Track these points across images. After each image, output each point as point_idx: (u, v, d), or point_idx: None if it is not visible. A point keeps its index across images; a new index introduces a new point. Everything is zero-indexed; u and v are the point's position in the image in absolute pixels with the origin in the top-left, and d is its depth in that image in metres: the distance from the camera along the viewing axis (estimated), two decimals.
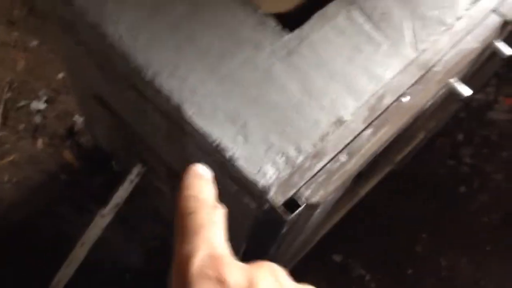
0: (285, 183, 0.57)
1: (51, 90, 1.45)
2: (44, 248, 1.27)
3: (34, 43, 1.49)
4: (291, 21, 0.65)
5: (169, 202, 1.01)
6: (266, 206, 0.56)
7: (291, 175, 0.57)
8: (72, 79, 0.96)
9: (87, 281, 1.14)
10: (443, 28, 0.65)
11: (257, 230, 0.66)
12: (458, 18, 0.65)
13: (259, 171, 0.56)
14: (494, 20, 0.67)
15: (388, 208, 1.41)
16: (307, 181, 0.58)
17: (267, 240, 0.66)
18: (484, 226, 1.46)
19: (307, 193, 0.58)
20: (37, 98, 1.44)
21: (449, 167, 1.52)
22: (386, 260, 1.38)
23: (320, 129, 0.59)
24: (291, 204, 0.56)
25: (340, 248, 1.36)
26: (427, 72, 0.64)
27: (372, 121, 0.61)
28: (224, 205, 0.37)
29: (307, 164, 0.58)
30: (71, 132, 1.41)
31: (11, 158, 1.39)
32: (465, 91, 0.75)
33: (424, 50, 0.63)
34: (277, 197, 0.56)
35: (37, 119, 1.43)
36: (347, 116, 0.60)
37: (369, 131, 0.61)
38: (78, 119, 1.40)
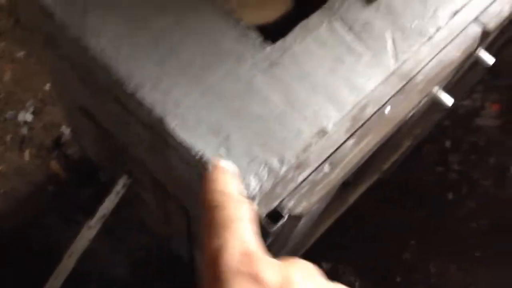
0: (268, 195, 0.57)
1: (38, 101, 1.45)
2: (32, 260, 1.27)
3: (21, 54, 1.49)
4: (274, 32, 0.65)
5: (155, 213, 1.01)
6: None
7: (274, 186, 0.57)
8: (57, 90, 0.96)
9: None
10: (424, 38, 0.65)
11: None
12: (439, 29, 0.66)
13: (243, 181, 0.56)
14: (475, 31, 0.68)
15: (376, 215, 1.42)
16: (290, 192, 0.58)
17: None
18: (472, 232, 1.47)
19: (290, 204, 0.58)
20: (24, 109, 1.44)
21: (437, 174, 1.53)
22: (375, 268, 1.39)
23: (302, 140, 0.59)
24: (274, 215, 0.56)
25: (329, 256, 1.37)
26: (408, 82, 0.64)
27: (355, 132, 0.62)
28: (250, 200, 0.37)
29: (290, 176, 0.58)
30: (58, 143, 1.40)
31: None
32: (448, 100, 0.76)
33: (405, 61, 0.64)
34: (260, 209, 0.56)
35: (24, 130, 1.42)
36: (329, 127, 0.60)
37: (351, 141, 0.62)
38: (65, 130, 1.40)
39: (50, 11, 0.60)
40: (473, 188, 1.52)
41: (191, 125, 0.58)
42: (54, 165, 1.38)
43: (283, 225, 0.58)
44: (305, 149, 0.59)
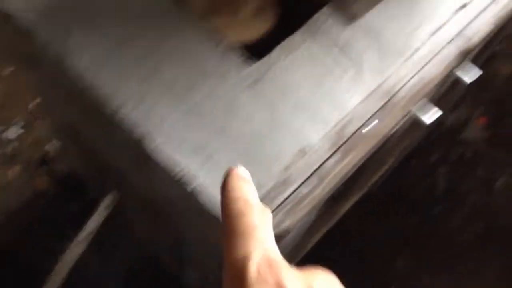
0: None
1: (27, 116, 1.45)
2: (21, 275, 1.26)
3: (9, 69, 1.49)
4: (258, 50, 0.66)
5: (144, 227, 1.01)
6: None
7: None
8: (45, 107, 0.96)
9: None
10: (405, 56, 0.66)
11: None
12: (419, 47, 0.67)
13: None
14: (455, 48, 0.69)
15: (365, 229, 1.42)
16: (273, 210, 0.58)
17: None
18: (461, 245, 1.47)
19: (274, 221, 0.59)
20: (13, 124, 1.44)
21: (424, 187, 1.53)
22: (364, 282, 1.39)
23: (286, 158, 0.60)
24: None
25: None
26: (390, 99, 0.65)
27: (338, 149, 0.62)
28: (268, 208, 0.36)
29: (273, 193, 0.58)
30: (46, 159, 1.40)
31: None
32: (432, 115, 0.77)
33: (387, 78, 0.65)
34: None
35: (13, 145, 1.42)
36: (312, 144, 0.61)
37: (334, 158, 0.62)
38: (53, 146, 1.40)
39: (32, 31, 0.61)
40: (461, 200, 1.52)
41: (174, 144, 0.58)
42: (42, 180, 1.38)
43: None
44: (288, 166, 0.59)
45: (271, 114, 0.61)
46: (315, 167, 0.61)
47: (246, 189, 0.38)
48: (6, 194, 1.37)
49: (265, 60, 0.64)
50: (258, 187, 0.57)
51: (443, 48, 0.68)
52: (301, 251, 1.20)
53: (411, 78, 0.66)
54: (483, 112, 1.66)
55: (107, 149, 0.75)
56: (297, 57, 0.65)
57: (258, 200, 0.37)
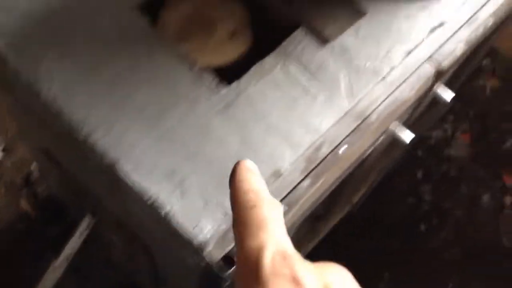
0: (222, 239, 0.57)
1: (8, 138, 1.44)
2: None
3: None
4: (230, 74, 0.66)
5: (120, 251, 1.00)
6: (204, 262, 0.56)
7: (228, 229, 0.57)
8: (21, 131, 0.95)
9: None
10: (378, 78, 0.66)
11: (203, 284, 0.66)
12: (392, 68, 0.67)
13: (195, 227, 0.56)
14: (428, 69, 0.69)
15: (348, 247, 1.41)
16: None
17: None
18: (445, 262, 1.47)
19: None
20: None
21: (408, 205, 1.53)
22: None
23: None
24: (228, 260, 0.56)
25: None
26: (363, 121, 0.65)
27: (310, 172, 0.62)
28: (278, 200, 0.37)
29: None
30: (28, 181, 1.39)
31: None
32: (407, 136, 0.77)
33: (359, 100, 0.65)
34: (214, 253, 0.56)
35: None
36: (284, 168, 0.61)
37: (307, 181, 0.62)
38: (35, 168, 1.39)
39: (3, 57, 0.61)
40: (445, 218, 1.53)
41: (145, 169, 0.58)
42: (24, 203, 1.37)
43: None
44: None
45: (243, 138, 0.61)
46: (287, 191, 0.61)
47: (255, 181, 0.38)
48: None
49: (237, 84, 0.64)
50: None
51: (417, 69, 0.68)
52: None
53: (385, 99, 0.66)
54: (468, 128, 1.67)
55: (81, 174, 0.74)
56: (269, 81, 0.65)
57: (268, 192, 0.37)
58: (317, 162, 0.63)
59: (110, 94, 0.61)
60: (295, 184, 0.61)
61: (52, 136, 0.71)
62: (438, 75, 0.70)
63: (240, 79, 0.64)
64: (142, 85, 0.62)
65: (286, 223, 0.61)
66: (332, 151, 0.63)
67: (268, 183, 0.59)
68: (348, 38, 0.69)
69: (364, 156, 0.70)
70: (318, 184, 0.63)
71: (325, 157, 0.63)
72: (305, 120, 0.63)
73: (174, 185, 0.58)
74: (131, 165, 0.58)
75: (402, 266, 1.44)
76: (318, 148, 0.62)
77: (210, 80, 0.63)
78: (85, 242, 0.96)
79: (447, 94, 0.81)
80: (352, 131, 0.64)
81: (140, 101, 0.61)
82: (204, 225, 0.56)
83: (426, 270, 1.45)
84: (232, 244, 0.58)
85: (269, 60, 0.66)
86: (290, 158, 0.61)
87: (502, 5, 0.75)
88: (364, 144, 0.66)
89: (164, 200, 0.57)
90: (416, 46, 0.69)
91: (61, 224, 1.30)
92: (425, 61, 0.69)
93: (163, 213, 0.56)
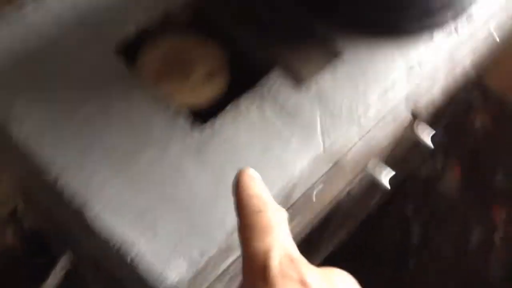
0: (190, 283, 0.56)
1: None
2: None
3: None
4: (206, 115, 0.66)
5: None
6: None
7: (197, 274, 0.56)
8: (1, 169, 0.95)
9: None
10: (353, 119, 0.66)
11: None
12: (368, 109, 0.67)
13: (163, 271, 0.55)
14: (405, 110, 0.69)
15: None
16: (214, 279, 0.57)
17: None
18: None
19: None
20: None
21: (398, 240, 1.52)
22: None
23: (230, 224, 0.59)
24: None
25: None
26: (337, 163, 0.64)
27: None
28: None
29: (213, 262, 0.57)
30: (14, 216, 1.38)
31: None
32: (385, 177, 0.77)
33: (334, 142, 0.65)
34: None
35: None
36: None
37: None
38: (21, 202, 1.38)
39: None
40: (435, 254, 1.51)
41: (114, 212, 0.57)
42: (10, 237, 1.36)
43: None
44: (232, 233, 0.59)
45: (216, 179, 0.61)
46: None
47: (259, 187, 0.39)
48: None
49: (211, 125, 0.64)
50: (201, 254, 0.57)
51: (392, 109, 0.69)
52: None
53: (359, 140, 0.66)
54: (459, 164, 1.67)
55: (57, 214, 0.74)
56: (244, 121, 0.65)
57: (272, 198, 0.39)
58: (291, 203, 0.62)
59: (82, 136, 0.61)
60: None
61: (27, 176, 0.71)
62: (415, 116, 0.70)
63: (214, 120, 0.64)
64: (115, 127, 0.62)
65: None
66: (306, 192, 0.63)
67: None
68: (324, 79, 0.69)
69: (341, 196, 0.69)
70: (291, 226, 0.62)
71: (299, 198, 0.63)
72: (280, 160, 0.63)
73: (143, 228, 0.57)
74: (99, 208, 0.57)
75: None
76: (292, 189, 0.62)
77: (184, 121, 0.63)
78: (65, 278, 0.95)
79: (428, 133, 0.81)
80: (326, 172, 0.64)
81: (112, 143, 0.61)
82: (172, 269, 0.55)
83: None
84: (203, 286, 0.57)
85: (243, 101, 0.66)
86: None
87: (480, 45, 0.76)
88: (339, 184, 0.66)
89: (132, 244, 0.56)
90: (392, 87, 0.69)
91: (46, 258, 1.29)
92: (401, 102, 0.69)
93: (129, 258, 0.55)
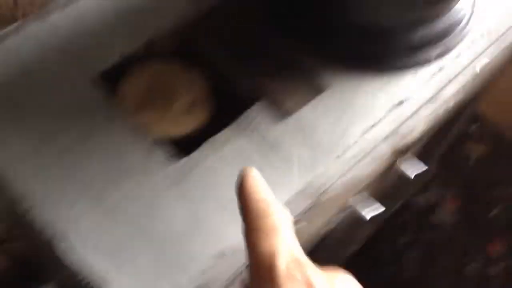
0: None
1: None
2: None
3: None
4: (187, 146, 0.65)
5: None
6: None
7: None
8: None
9: None
10: (335, 155, 0.65)
11: None
12: (350, 146, 0.66)
13: None
14: (388, 146, 0.68)
15: None
16: None
17: None
18: None
19: None
20: None
21: (391, 272, 1.50)
22: None
23: (205, 260, 0.58)
24: None
25: None
26: (319, 197, 0.64)
27: None
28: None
29: None
30: (5, 239, 1.37)
31: None
32: (370, 212, 0.76)
33: (316, 176, 0.64)
34: None
35: None
36: (235, 245, 0.59)
37: None
38: (11, 227, 1.38)
39: None
40: (430, 287, 1.50)
41: (87, 245, 0.56)
42: (3, 262, 1.35)
43: None
44: (206, 270, 0.58)
45: (194, 214, 0.60)
46: (235, 269, 0.59)
47: (264, 189, 0.39)
48: None
49: (192, 157, 0.63)
50: (181, 285, 0.56)
51: (376, 146, 0.68)
52: None
53: (341, 176, 0.66)
54: (454, 195, 1.65)
55: (30, 243, 0.73)
56: (224, 154, 0.64)
57: (276, 200, 0.39)
58: None
59: (61, 166, 0.60)
60: (243, 262, 0.60)
61: (7, 204, 0.70)
62: (398, 152, 0.70)
63: (195, 152, 0.64)
64: (93, 157, 0.62)
65: None
66: None
67: (215, 261, 0.58)
68: (308, 112, 0.68)
69: (323, 233, 0.68)
70: None
71: None
72: None
73: (116, 262, 0.56)
74: (72, 241, 0.56)
75: None
76: None
77: (163, 153, 0.63)
78: None
79: (415, 167, 0.80)
80: (306, 209, 0.63)
81: (90, 173, 0.61)
82: None
83: None
84: None
85: (225, 133, 0.65)
86: (240, 236, 0.60)
87: (468, 82, 0.75)
88: (320, 222, 0.65)
89: (105, 279, 0.55)
90: (375, 124, 0.68)
91: (37, 283, 1.28)
92: (383, 138, 0.68)
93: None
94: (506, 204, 1.61)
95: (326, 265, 0.39)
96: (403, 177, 0.80)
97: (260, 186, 0.40)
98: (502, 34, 0.78)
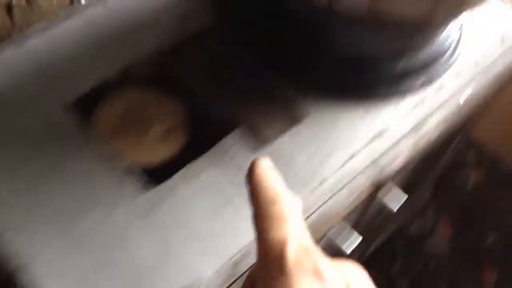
0: None
1: None
2: None
3: None
4: (161, 174, 0.64)
5: None
6: None
7: None
8: None
9: None
10: (311, 187, 0.64)
11: None
12: (328, 177, 0.65)
13: None
14: (366, 178, 0.67)
15: None
16: None
17: None
18: None
19: None
20: None
21: None
22: None
23: None
24: None
25: None
26: None
27: (232, 284, 0.59)
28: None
29: None
30: None
31: None
32: (350, 243, 0.74)
33: None
34: None
35: None
36: (205, 278, 0.58)
37: None
38: None
39: None
40: None
41: (52, 277, 0.55)
42: None
43: None
44: None
45: (163, 245, 0.59)
46: None
47: (274, 177, 0.39)
48: None
49: (163, 186, 0.62)
50: None
51: (354, 177, 0.67)
52: None
53: (318, 208, 0.64)
54: (449, 222, 1.63)
55: None
56: (197, 184, 0.63)
57: (286, 187, 0.38)
58: (240, 273, 0.60)
59: (30, 194, 0.59)
60: None
61: None
62: (378, 184, 0.68)
63: (167, 181, 0.63)
64: (64, 186, 0.60)
65: None
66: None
67: None
68: (286, 142, 0.67)
69: None
70: None
71: (249, 268, 0.60)
72: (231, 227, 0.61)
73: None
74: (37, 272, 0.55)
75: None
76: (242, 259, 0.60)
77: (134, 181, 0.61)
78: None
79: (396, 201, 0.78)
80: None
81: (60, 202, 0.59)
82: None
83: None
84: None
85: (200, 162, 0.64)
86: (211, 268, 0.58)
87: (450, 114, 0.74)
88: None
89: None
90: (354, 155, 0.67)
91: None
92: (362, 170, 0.67)
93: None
94: (500, 233, 1.59)
95: None
96: (385, 209, 0.78)
97: (270, 175, 0.39)
98: (489, 64, 0.77)
